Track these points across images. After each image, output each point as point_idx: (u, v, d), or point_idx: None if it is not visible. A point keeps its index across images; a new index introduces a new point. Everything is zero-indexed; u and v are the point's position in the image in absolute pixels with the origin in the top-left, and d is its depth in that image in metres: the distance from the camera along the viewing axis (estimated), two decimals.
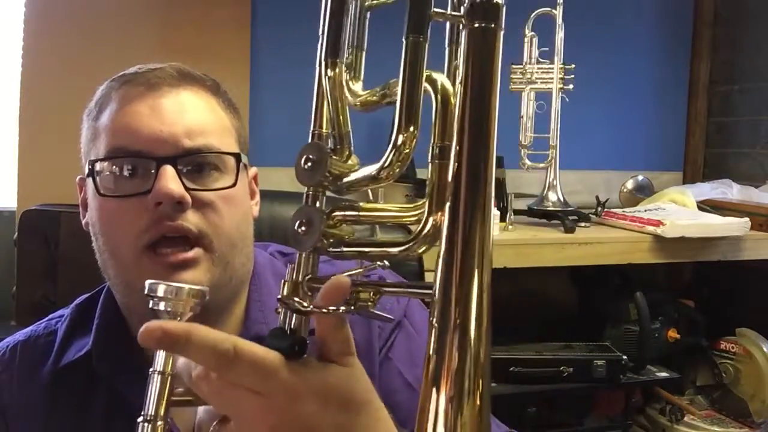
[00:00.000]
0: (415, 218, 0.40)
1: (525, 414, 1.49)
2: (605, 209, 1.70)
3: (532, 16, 1.66)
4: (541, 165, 1.66)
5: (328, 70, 0.42)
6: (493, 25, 0.34)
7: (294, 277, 0.43)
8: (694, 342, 1.78)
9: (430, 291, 0.35)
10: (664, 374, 1.69)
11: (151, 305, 0.42)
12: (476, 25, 0.34)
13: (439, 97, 0.38)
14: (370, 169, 0.41)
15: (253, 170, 0.77)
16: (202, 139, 0.67)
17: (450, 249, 0.34)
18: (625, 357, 1.57)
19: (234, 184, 0.68)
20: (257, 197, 0.78)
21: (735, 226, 1.55)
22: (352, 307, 0.41)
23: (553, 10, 1.64)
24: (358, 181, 0.42)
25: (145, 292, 0.42)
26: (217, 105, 0.72)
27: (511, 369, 1.51)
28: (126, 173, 0.65)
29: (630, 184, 1.98)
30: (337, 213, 0.43)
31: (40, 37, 1.60)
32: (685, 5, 2.26)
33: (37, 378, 0.72)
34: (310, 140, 0.44)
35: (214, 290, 0.66)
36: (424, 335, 0.69)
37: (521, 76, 1.66)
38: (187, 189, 0.64)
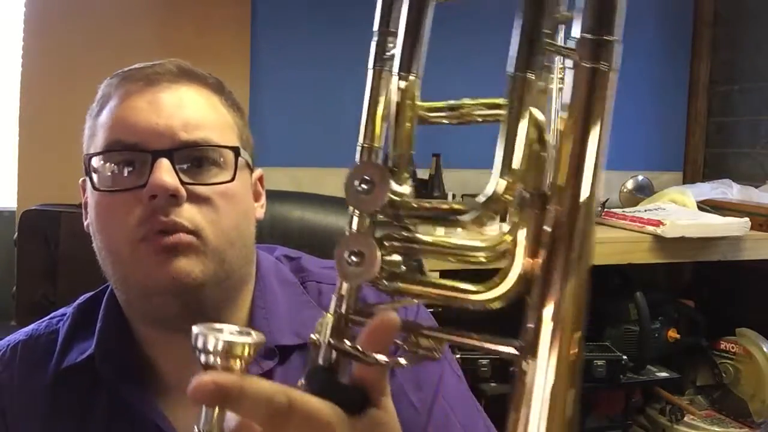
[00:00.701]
0: (488, 259, 0.34)
1: None
2: (605, 209, 1.70)
3: None
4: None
5: (401, 82, 0.38)
6: (605, 66, 0.30)
7: (337, 309, 0.38)
8: (694, 342, 1.78)
9: (517, 353, 0.32)
10: (664, 374, 1.69)
11: (203, 360, 0.37)
12: (585, 64, 0.30)
13: (534, 136, 0.34)
14: (442, 204, 0.35)
15: (258, 172, 0.75)
16: (199, 132, 0.65)
17: (545, 306, 0.30)
18: (625, 357, 1.57)
19: (232, 179, 0.66)
20: (263, 199, 0.75)
21: (735, 226, 1.55)
22: (403, 360, 0.36)
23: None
24: (427, 216, 0.36)
25: (192, 343, 0.37)
26: (219, 102, 0.70)
27: (512, 369, 1.51)
28: (122, 167, 0.64)
29: (630, 184, 1.98)
30: (391, 243, 0.37)
31: (40, 37, 1.60)
32: (685, 5, 2.26)
33: (38, 379, 0.71)
34: (359, 155, 0.38)
35: (209, 286, 0.64)
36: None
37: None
38: (183, 183, 0.63)
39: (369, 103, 0.39)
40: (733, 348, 1.74)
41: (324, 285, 0.76)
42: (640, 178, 1.98)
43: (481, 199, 0.34)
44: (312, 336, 0.39)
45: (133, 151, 0.64)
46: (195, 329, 0.37)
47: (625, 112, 2.19)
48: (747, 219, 1.57)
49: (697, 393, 1.82)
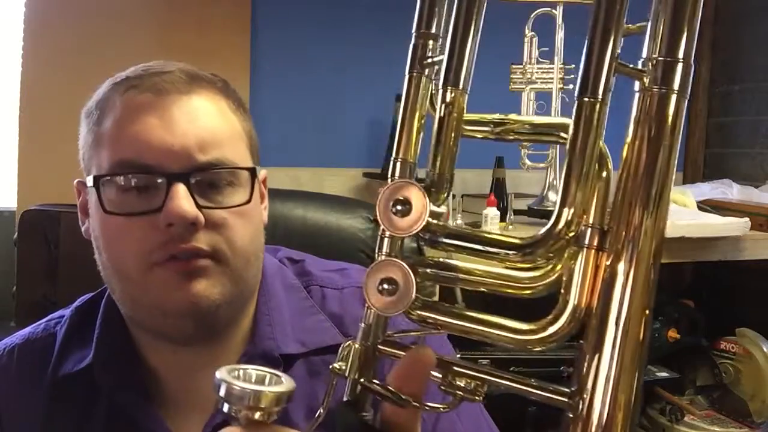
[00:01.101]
0: (533, 293, 0.32)
1: (525, 414, 1.49)
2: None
3: (532, 16, 1.66)
4: (541, 165, 1.66)
5: (448, 95, 0.35)
6: (673, 92, 0.28)
7: (364, 342, 0.35)
8: (694, 342, 1.78)
9: (569, 401, 0.30)
10: (664, 374, 1.69)
11: (225, 409, 0.33)
12: (654, 89, 0.29)
13: (600, 170, 0.31)
14: (487, 234, 0.32)
15: (262, 173, 0.73)
16: (216, 152, 0.63)
17: (601, 358, 0.28)
18: None
19: (249, 201, 0.65)
20: (266, 201, 0.74)
21: (735, 226, 1.55)
22: (441, 405, 0.33)
23: (553, 10, 1.64)
24: (467, 247, 0.33)
25: (217, 392, 0.34)
26: (228, 108, 0.68)
27: (512, 369, 1.51)
28: (133, 189, 0.62)
29: None
30: (425, 269, 0.34)
31: (40, 37, 1.60)
32: None
33: (36, 385, 0.69)
34: (392, 170, 0.35)
35: (225, 306, 0.63)
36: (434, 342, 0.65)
37: (521, 76, 1.66)
38: (199, 207, 0.60)
39: (405, 114, 0.36)
40: (733, 348, 1.74)
41: (328, 289, 0.75)
42: None
43: (539, 234, 0.31)
44: (335, 365, 0.37)
45: (147, 174, 0.61)
46: (218, 375, 0.34)
47: (625, 112, 2.19)
48: (747, 219, 1.56)
49: (697, 393, 1.82)
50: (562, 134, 0.33)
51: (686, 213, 1.66)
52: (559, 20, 1.63)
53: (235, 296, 0.64)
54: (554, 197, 1.61)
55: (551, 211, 0.31)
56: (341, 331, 0.71)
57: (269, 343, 0.68)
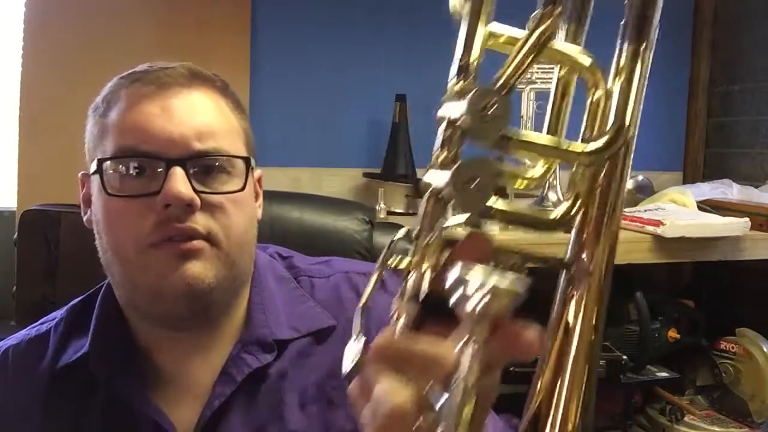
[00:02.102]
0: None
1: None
2: None
3: (532, 16, 1.65)
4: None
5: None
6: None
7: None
8: (694, 342, 1.78)
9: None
10: (664, 374, 1.69)
11: (455, 300, 0.31)
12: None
13: None
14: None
15: (257, 172, 0.77)
16: (212, 141, 0.67)
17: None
18: (625, 357, 1.57)
19: (243, 188, 0.68)
20: (260, 199, 0.78)
21: (735, 226, 1.55)
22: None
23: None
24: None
25: (447, 285, 0.32)
26: (226, 106, 0.71)
27: (511, 369, 1.51)
28: (133, 173, 0.65)
29: (630, 184, 1.97)
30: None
31: (40, 37, 1.60)
32: (685, 5, 2.26)
33: (32, 382, 0.71)
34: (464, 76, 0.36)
35: (218, 290, 0.66)
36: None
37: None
38: (196, 191, 0.64)
39: None
40: (733, 348, 1.74)
41: (316, 279, 0.79)
42: (640, 178, 1.98)
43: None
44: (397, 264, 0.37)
45: (148, 158, 0.65)
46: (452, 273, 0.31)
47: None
48: (747, 219, 1.56)
49: (697, 393, 1.82)
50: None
51: (686, 213, 1.66)
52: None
53: (229, 281, 0.68)
54: (554, 197, 1.61)
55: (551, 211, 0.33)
56: (332, 314, 0.75)
57: (264, 330, 0.72)
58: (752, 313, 1.80)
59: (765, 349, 1.69)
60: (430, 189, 0.35)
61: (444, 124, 0.36)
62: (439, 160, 0.35)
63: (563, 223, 0.35)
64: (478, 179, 0.32)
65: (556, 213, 0.36)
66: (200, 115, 0.67)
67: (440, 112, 0.36)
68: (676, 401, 1.72)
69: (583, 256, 0.35)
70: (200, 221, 0.64)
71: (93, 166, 0.68)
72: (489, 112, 0.33)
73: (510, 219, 0.35)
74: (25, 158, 1.57)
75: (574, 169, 0.37)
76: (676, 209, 1.69)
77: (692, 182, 2.15)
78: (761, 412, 1.68)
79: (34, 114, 1.58)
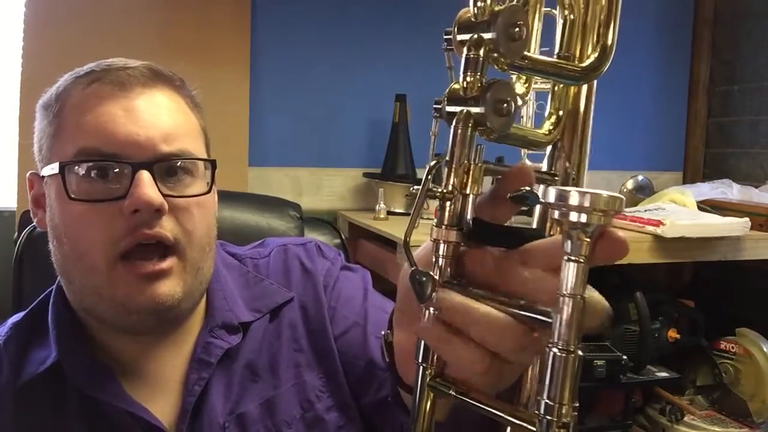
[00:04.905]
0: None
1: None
2: None
3: None
4: (542, 164, 1.66)
5: None
6: None
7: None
8: (694, 342, 1.78)
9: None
10: (664, 374, 1.69)
11: (557, 216, 0.32)
12: None
13: None
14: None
15: None
16: (177, 143, 0.65)
17: None
18: (625, 357, 1.57)
19: (209, 191, 0.68)
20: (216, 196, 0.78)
21: (735, 226, 1.55)
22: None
23: (553, 10, 1.64)
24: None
25: (550, 200, 0.32)
26: (186, 106, 0.70)
27: None
28: (98, 176, 0.63)
29: (630, 184, 1.98)
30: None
31: (40, 37, 1.60)
32: (685, 5, 2.26)
33: None
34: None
35: (186, 298, 0.66)
36: (354, 277, 0.81)
37: (521, 76, 1.66)
38: (163, 195, 0.63)
39: None
40: (733, 348, 1.74)
41: (258, 260, 0.82)
42: (640, 178, 1.98)
43: None
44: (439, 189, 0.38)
45: (113, 161, 0.63)
46: (553, 191, 0.32)
47: (626, 112, 2.19)
48: (747, 219, 1.56)
49: (697, 393, 1.82)
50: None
51: (686, 213, 1.66)
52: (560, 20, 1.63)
53: (195, 288, 0.68)
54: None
55: None
56: (285, 286, 0.78)
57: (228, 314, 0.73)
58: (752, 313, 1.80)
59: (765, 349, 1.69)
60: (459, 114, 0.36)
61: (465, 49, 0.36)
62: (466, 83, 0.36)
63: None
64: (508, 100, 0.35)
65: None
66: (164, 116, 0.66)
67: (459, 37, 0.36)
68: (676, 401, 1.72)
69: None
70: (167, 227, 0.63)
71: (50, 168, 0.65)
72: (516, 30, 0.35)
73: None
74: (25, 158, 1.57)
75: (556, 88, 0.43)
76: (676, 209, 1.69)
77: (692, 182, 2.15)
78: (761, 412, 1.68)
79: (34, 114, 1.58)
